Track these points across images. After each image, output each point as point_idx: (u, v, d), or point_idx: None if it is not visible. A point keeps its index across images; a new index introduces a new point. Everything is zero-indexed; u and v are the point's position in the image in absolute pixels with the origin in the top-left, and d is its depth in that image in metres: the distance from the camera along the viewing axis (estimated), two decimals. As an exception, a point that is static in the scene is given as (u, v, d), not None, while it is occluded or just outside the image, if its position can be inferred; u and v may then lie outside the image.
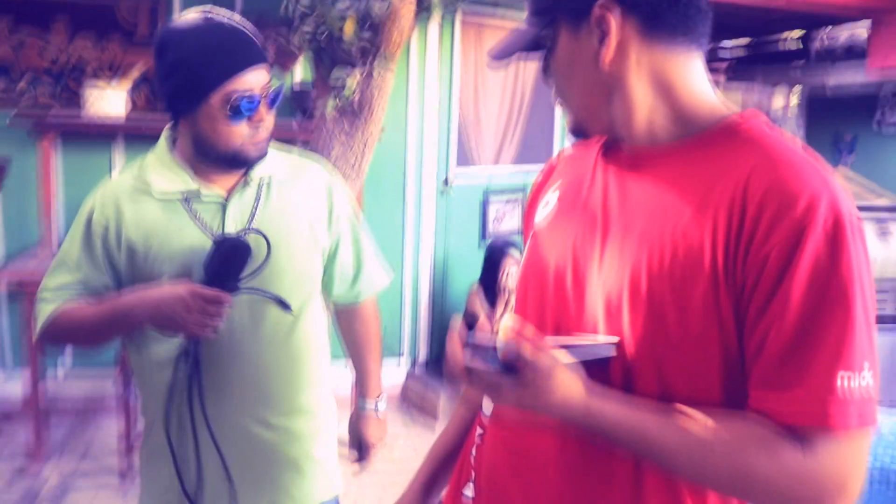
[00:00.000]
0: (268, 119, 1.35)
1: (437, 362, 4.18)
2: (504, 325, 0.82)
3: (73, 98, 3.56)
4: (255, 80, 1.31)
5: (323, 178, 1.52)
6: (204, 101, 1.30)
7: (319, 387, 1.53)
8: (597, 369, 0.83)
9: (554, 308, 0.92)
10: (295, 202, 1.45)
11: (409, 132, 4.05)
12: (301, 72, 3.72)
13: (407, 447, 3.47)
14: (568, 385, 0.81)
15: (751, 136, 0.83)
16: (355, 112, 2.48)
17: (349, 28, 2.20)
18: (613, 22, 0.84)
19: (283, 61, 3.47)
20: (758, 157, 0.80)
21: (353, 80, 2.37)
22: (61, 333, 1.43)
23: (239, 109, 1.30)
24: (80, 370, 3.79)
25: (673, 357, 0.81)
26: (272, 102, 1.35)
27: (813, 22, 4.18)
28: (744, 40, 4.95)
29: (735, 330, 0.78)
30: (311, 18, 2.34)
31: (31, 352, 3.14)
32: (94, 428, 3.57)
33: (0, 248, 3.67)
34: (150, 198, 1.39)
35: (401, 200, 4.10)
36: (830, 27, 4.24)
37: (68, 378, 3.78)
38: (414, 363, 4.22)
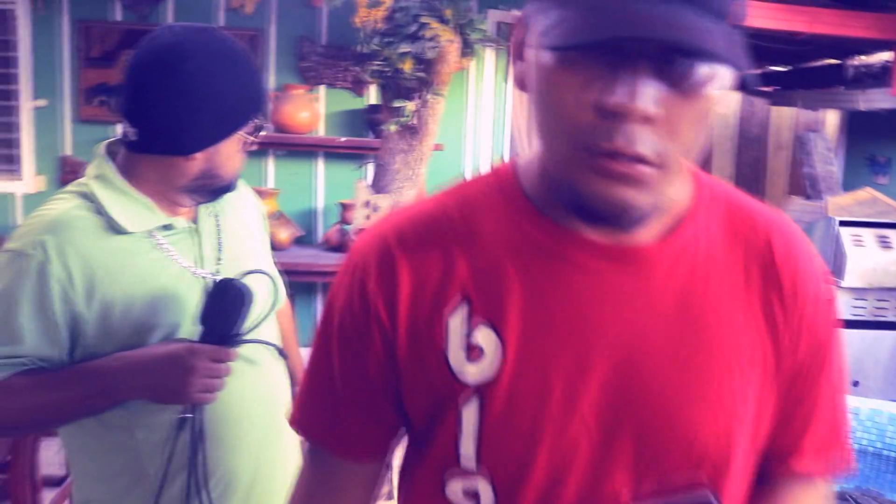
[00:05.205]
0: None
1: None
2: None
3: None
4: None
5: (243, 188, 1.38)
6: (234, 132, 1.17)
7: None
8: None
9: (593, 461, 0.71)
10: (245, 216, 1.35)
11: (465, 147, 4.60)
12: (373, 97, 4.35)
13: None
14: None
15: (727, 197, 0.77)
16: (414, 131, 3.06)
17: (407, 65, 2.79)
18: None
19: (359, 88, 4.13)
20: (767, 226, 0.75)
21: (411, 106, 2.95)
22: None
23: (256, 139, 1.22)
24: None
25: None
26: None
27: (842, 51, 4.52)
28: (785, 67, 5.30)
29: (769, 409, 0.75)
30: (379, 56, 2.95)
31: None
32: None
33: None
34: (117, 237, 1.14)
35: (458, 207, 4.61)
36: (862, 56, 4.55)
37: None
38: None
